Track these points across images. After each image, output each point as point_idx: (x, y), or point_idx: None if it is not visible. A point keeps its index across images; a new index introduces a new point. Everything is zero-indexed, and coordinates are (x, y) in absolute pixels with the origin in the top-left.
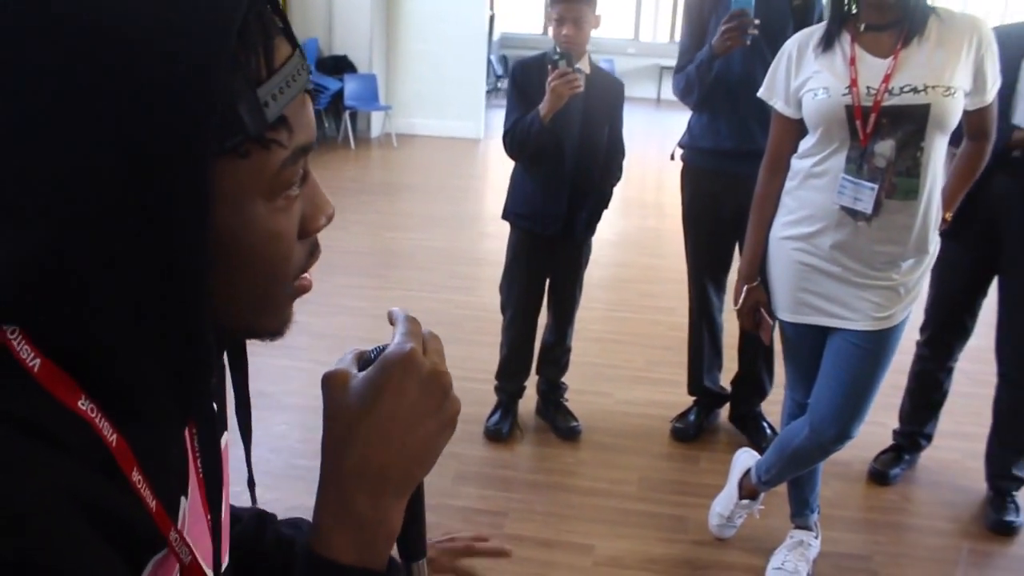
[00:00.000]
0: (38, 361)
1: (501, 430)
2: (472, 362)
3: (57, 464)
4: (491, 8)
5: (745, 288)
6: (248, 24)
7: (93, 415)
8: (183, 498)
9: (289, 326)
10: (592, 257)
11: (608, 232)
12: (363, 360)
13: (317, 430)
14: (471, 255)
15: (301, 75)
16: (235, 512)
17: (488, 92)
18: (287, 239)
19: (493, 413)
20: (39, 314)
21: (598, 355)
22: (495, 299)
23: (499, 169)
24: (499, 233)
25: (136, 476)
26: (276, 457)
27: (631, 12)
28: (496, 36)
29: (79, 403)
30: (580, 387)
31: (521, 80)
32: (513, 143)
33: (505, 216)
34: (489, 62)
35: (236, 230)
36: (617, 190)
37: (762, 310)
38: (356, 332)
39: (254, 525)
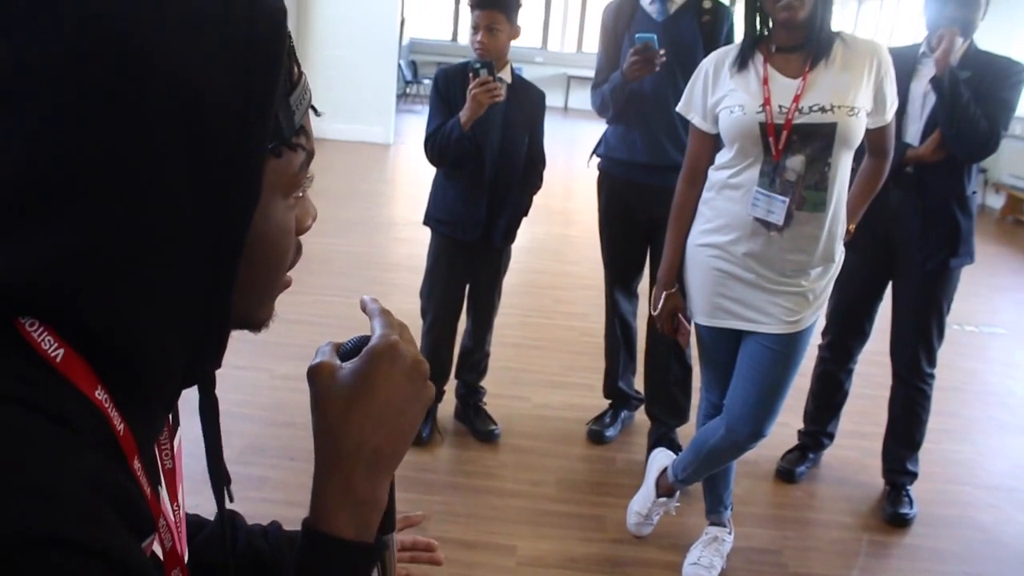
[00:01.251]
0: (61, 351)
1: (421, 433)
2: None
3: (79, 448)
4: (402, 13)
5: (664, 294)
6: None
7: (107, 405)
8: (160, 487)
9: (270, 319)
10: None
11: (522, 239)
12: (342, 351)
13: (239, 434)
14: (386, 260)
15: (308, 89)
16: (199, 519)
17: (398, 97)
18: (292, 234)
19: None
20: (72, 305)
21: (515, 360)
22: (413, 304)
23: (410, 174)
24: (413, 238)
25: (136, 464)
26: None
27: (539, 21)
28: (405, 41)
29: (96, 392)
30: (498, 391)
31: (443, 87)
32: (434, 149)
33: (426, 221)
34: (399, 67)
35: (261, 225)
36: (533, 198)
37: (680, 315)
38: (273, 337)
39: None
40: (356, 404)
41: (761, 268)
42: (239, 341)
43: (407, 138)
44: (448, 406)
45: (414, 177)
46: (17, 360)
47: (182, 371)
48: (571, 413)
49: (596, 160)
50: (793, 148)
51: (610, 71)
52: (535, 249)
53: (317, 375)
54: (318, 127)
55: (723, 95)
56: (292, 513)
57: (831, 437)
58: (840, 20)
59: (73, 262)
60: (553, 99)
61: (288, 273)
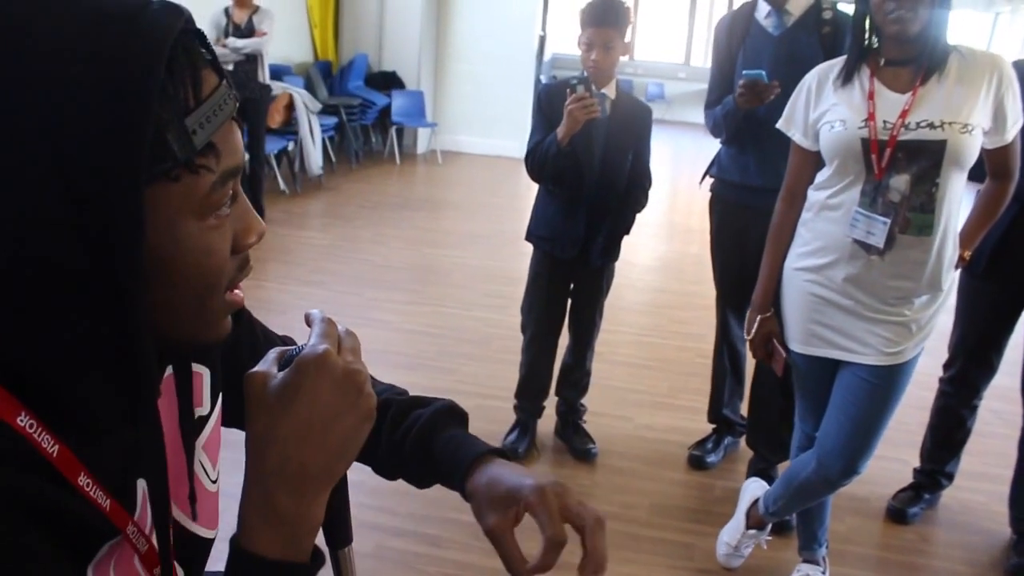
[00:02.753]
0: None
1: (517, 449)
2: (495, 380)
3: None
4: (542, 29)
5: (758, 318)
6: (176, 58)
7: (32, 430)
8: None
9: (226, 336)
10: (629, 282)
11: (648, 257)
12: (283, 360)
13: None
14: (506, 274)
15: (228, 104)
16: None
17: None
18: (219, 255)
19: (511, 432)
20: None
21: (623, 379)
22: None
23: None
24: None
25: (83, 480)
26: None
27: (682, 38)
28: (547, 57)
29: (18, 419)
30: (601, 410)
31: (545, 103)
32: (533, 164)
33: (528, 237)
34: (538, 82)
35: (171, 249)
36: (660, 215)
37: (774, 341)
38: (384, 345)
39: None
40: (280, 418)
41: (860, 294)
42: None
43: None
44: (548, 422)
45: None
46: None
47: (114, 396)
48: (673, 436)
49: (709, 181)
50: (898, 166)
51: (723, 90)
52: (658, 268)
53: (250, 383)
54: (453, 140)
55: (825, 110)
56: (382, 519)
57: (950, 478)
58: (973, 33)
59: None
60: (694, 115)
61: (238, 290)
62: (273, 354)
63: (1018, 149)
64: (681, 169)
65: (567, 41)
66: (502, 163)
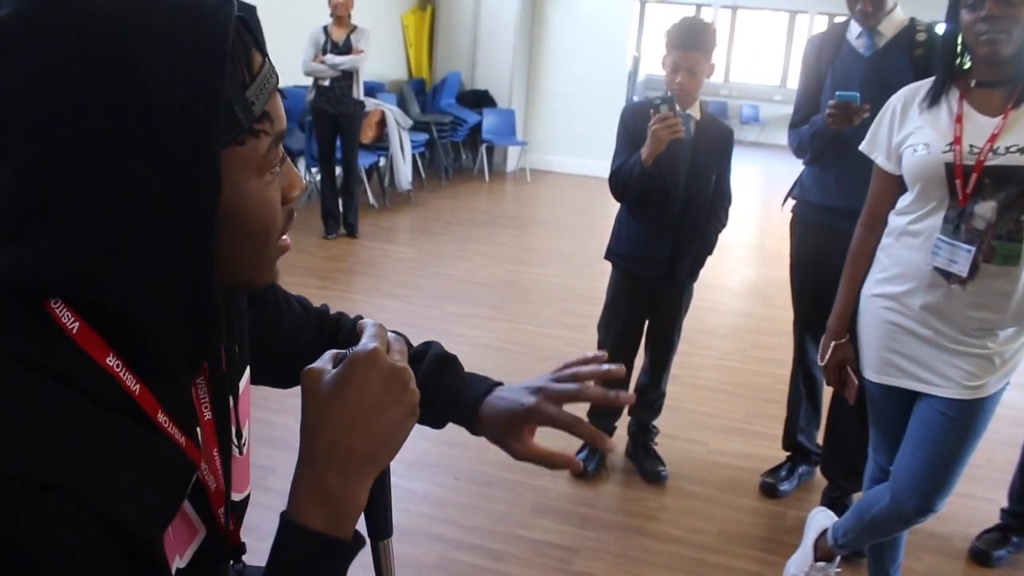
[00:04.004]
0: (77, 324)
1: (587, 468)
2: None
3: (79, 406)
4: (637, 50)
5: (832, 344)
6: (234, 42)
7: (118, 370)
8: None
9: (276, 278)
10: (712, 305)
11: (733, 281)
12: (338, 358)
13: (411, 448)
14: (588, 293)
15: (273, 77)
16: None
17: None
18: (275, 205)
19: (581, 450)
20: (84, 284)
21: (699, 402)
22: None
23: None
24: None
25: (161, 417)
26: None
27: (779, 60)
28: (641, 77)
29: (107, 359)
30: (674, 432)
31: (630, 123)
32: (617, 185)
33: (608, 256)
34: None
35: (238, 203)
36: (749, 239)
37: (848, 368)
38: (461, 359)
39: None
40: (332, 406)
41: (939, 324)
42: None
43: None
44: (619, 443)
45: None
46: (40, 331)
47: (188, 338)
48: (747, 463)
49: (791, 203)
50: (984, 193)
51: (809, 109)
52: (742, 292)
53: (306, 378)
54: (543, 158)
55: (909, 132)
56: (445, 531)
57: None
58: None
59: (71, 255)
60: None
61: (286, 237)
62: (329, 354)
63: None
64: (772, 193)
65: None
66: (590, 183)
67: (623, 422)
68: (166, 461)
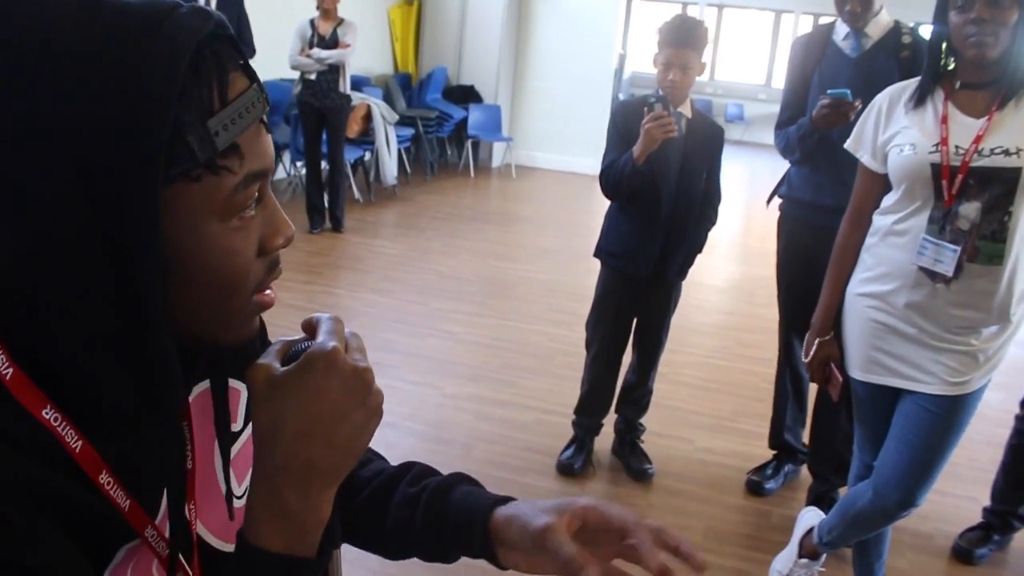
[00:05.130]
0: (11, 370)
1: (573, 465)
2: (555, 396)
3: (15, 463)
4: (622, 48)
5: (817, 342)
6: (203, 59)
7: (56, 424)
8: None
9: (251, 336)
10: (697, 303)
11: (718, 279)
12: (289, 353)
13: (399, 446)
14: (573, 290)
15: (256, 106)
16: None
17: None
18: (243, 256)
19: (567, 447)
20: (11, 326)
21: (686, 400)
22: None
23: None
24: None
25: (104, 479)
26: None
27: (764, 59)
28: (627, 75)
29: (43, 412)
30: (661, 430)
31: (621, 121)
32: (608, 182)
33: (597, 254)
34: (616, 101)
35: (192, 248)
36: (734, 237)
37: (832, 365)
38: (447, 355)
39: (382, 494)
40: (287, 413)
41: (924, 322)
42: (415, 357)
43: None
44: (605, 440)
45: None
46: None
47: (139, 393)
48: (733, 461)
49: (777, 201)
50: (968, 193)
51: (795, 110)
52: (727, 289)
53: (252, 377)
54: (528, 155)
55: (895, 132)
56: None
57: (1023, 520)
58: None
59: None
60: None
61: (268, 291)
62: (275, 347)
63: None
64: (757, 191)
65: (647, 59)
66: (576, 179)
67: (610, 419)
68: (103, 526)
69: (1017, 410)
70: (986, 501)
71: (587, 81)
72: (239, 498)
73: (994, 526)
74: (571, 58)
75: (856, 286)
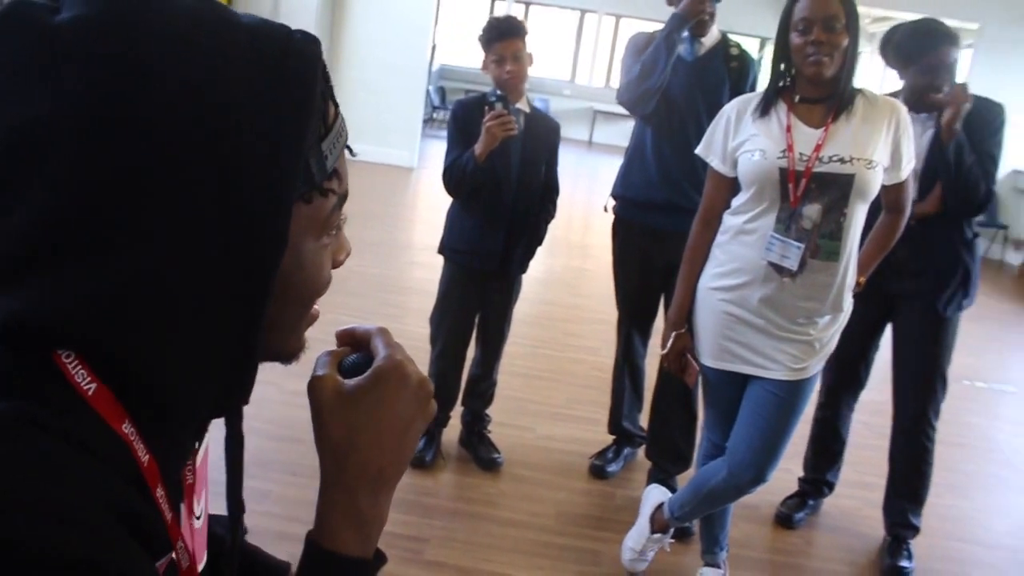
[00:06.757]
0: (94, 386)
1: (424, 457)
2: None
3: (99, 476)
4: (433, 39)
5: (673, 335)
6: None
7: (133, 438)
8: (181, 507)
9: (305, 348)
10: (523, 294)
11: (537, 270)
12: (344, 366)
13: (246, 447)
14: (402, 283)
15: (344, 130)
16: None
17: (425, 122)
18: (327, 270)
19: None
20: (103, 342)
21: (522, 390)
22: (423, 329)
23: (431, 199)
24: (430, 263)
25: (160, 492)
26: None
27: (569, 55)
28: (436, 67)
29: (123, 426)
30: (503, 420)
31: (462, 119)
32: (451, 181)
33: (441, 250)
34: (427, 92)
35: (292, 265)
36: (548, 229)
37: (688, 355)
38: None
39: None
40: (363, 426)
41: (772, 314)
42: None
43: (431, 163)
44: (453, 432)
45: (435, 202)
46: (52, 390)
47: (209, 412)
48: (574, 446)
49: (612, 203)
50: (811, 196)
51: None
52: (550, 281)
53: (319, 390)
54: None
55: (744, 139)
56: (292, 528)
57: (831, 486)
58: (865, 76)
59: (103, 302)
60: (579, 132)
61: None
62: (327, 357)
63: (911, 186)
64: (563, 186)
65: (455, 52)
66: (393, 172)
67: (457, 411)
68: (157, 538)
69: (819, 386)
70: (800, 472)
71: (402, 72)
72: (198, 517)
73: (808, 492)
74: (387, 48)
75: (708, 280)
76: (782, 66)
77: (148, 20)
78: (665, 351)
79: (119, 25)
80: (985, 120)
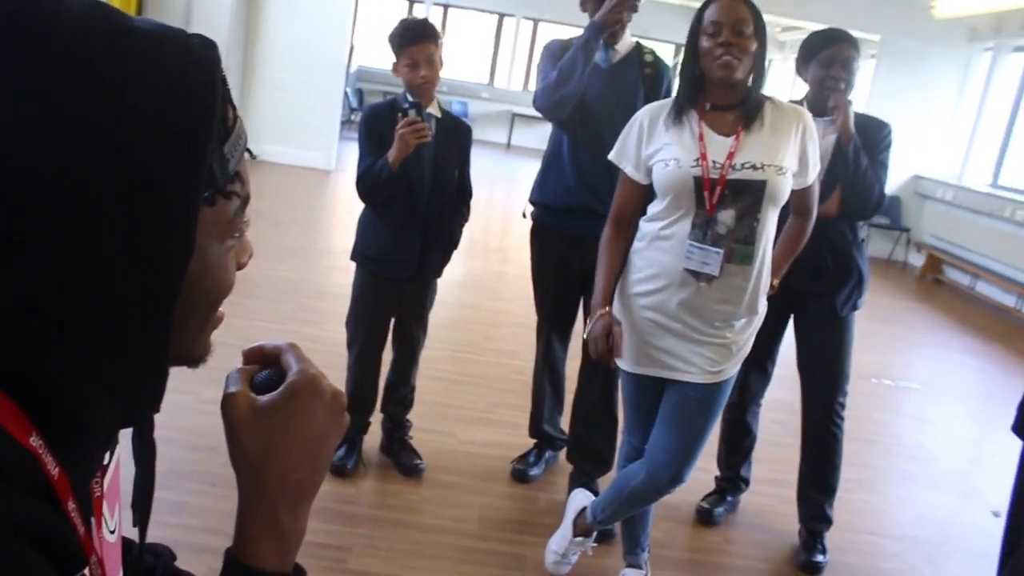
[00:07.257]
0: None
1: (346, 465)
2: None
3: (4, 495)
4: (351, 40)
5: (598, 312)
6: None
7: (41, 451)
8: (91, 520)
9: (211, 352)
10: (439, 298)
11: (455, 274)
12: (256, 382)
13: (161, 457)
14: (321, 288)
15: (244, 133)
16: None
17: (343, 124)
18: (231, 273)
19: (338, 448)
20: (10, 355)
21: (442, 395)
22: (342, 334)
23: (349, 202)
24: (348, 267)
25: (71, 505)
26: None
27: (487, 58)
28: (353, 68)
29: (31, 439)
30: (425, 425)
31: (373, 125)
32: (365, 189)
33: (354, 257)
34: (345, 94)
35: (197, 269)
36: (465, 233)
37: (615, 329)
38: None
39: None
40: (279, 440)
41: (690, 318)
42: None
43: (348, 165)
44: (373, 439)
45: (353, 206)
46: None
47: (120, 422)
48: (496, 451)
49: (531, 209)
50: (725, 202)
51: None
52: (469, 284)
53: (233, 407)
54: (260, 148)
55: (658, 148)
56: (209, 540)
57: (746, 482)
58: (775, 84)
59: (2, 315)
60: (497, 135)
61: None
62: (237, 374)
63: (816, 191)
64: (481, 189)
65: (372, 53)
66: (309, 174)
67: (377, 419)
68: (70, 554)
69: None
70: (716, 471)
71: (319, 73)
72: (112, 532)
73: (725, 489)
74: (305, 49)
75: (629, 287)
76: (692, 73)
77: (40, 23)
78: (588, 332)
79: (9, 28)
80: (876, 138)
